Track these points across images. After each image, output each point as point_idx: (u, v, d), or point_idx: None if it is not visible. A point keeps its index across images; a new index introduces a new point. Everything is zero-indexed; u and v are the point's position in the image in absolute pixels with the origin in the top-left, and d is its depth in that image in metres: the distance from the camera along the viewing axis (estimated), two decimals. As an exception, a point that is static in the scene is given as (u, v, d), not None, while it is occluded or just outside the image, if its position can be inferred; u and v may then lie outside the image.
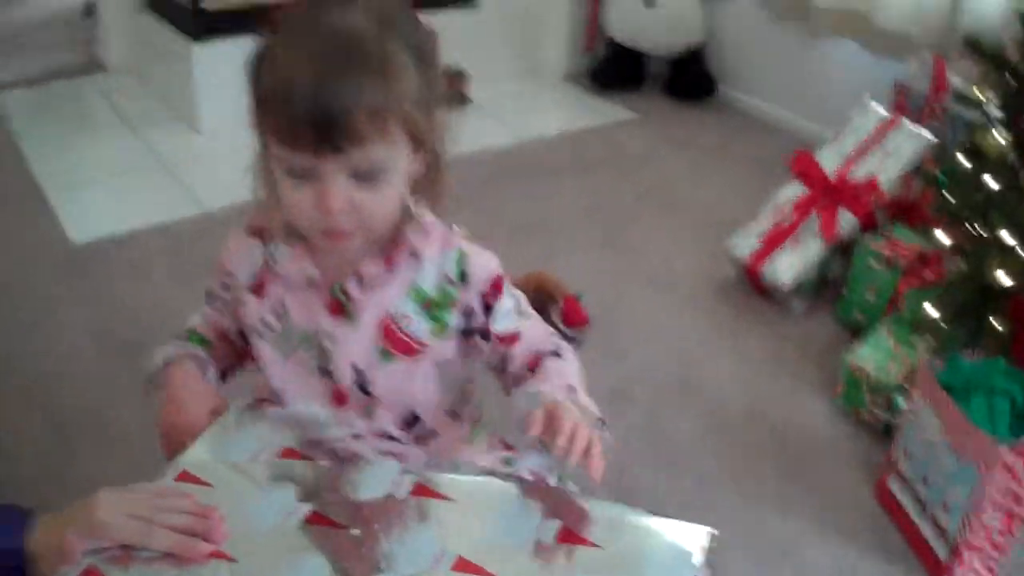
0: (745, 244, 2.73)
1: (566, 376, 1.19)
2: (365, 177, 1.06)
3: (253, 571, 0.98)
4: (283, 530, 1.01)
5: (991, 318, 1.91)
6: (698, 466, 2.14)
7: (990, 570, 1.81)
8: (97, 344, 2.44)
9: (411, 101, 1.05)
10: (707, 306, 2.72)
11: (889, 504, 2.01)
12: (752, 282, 2.72)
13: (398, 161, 1.08)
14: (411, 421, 1.26)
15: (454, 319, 1.21)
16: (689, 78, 4.11)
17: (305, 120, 1.00)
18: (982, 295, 1.92)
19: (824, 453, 2.19)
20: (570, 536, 1.02)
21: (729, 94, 4.10)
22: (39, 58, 4.34)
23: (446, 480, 1.08)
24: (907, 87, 2.93)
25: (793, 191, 2.75)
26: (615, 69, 4.20)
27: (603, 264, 2.88)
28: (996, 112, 1.95)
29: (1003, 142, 1.90)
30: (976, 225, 1.96)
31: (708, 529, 1.03)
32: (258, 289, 1.23)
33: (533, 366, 1.24)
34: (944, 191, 2.06)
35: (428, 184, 1.16)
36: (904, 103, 2.90)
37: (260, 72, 1.07)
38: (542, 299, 2.32)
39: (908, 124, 2.67)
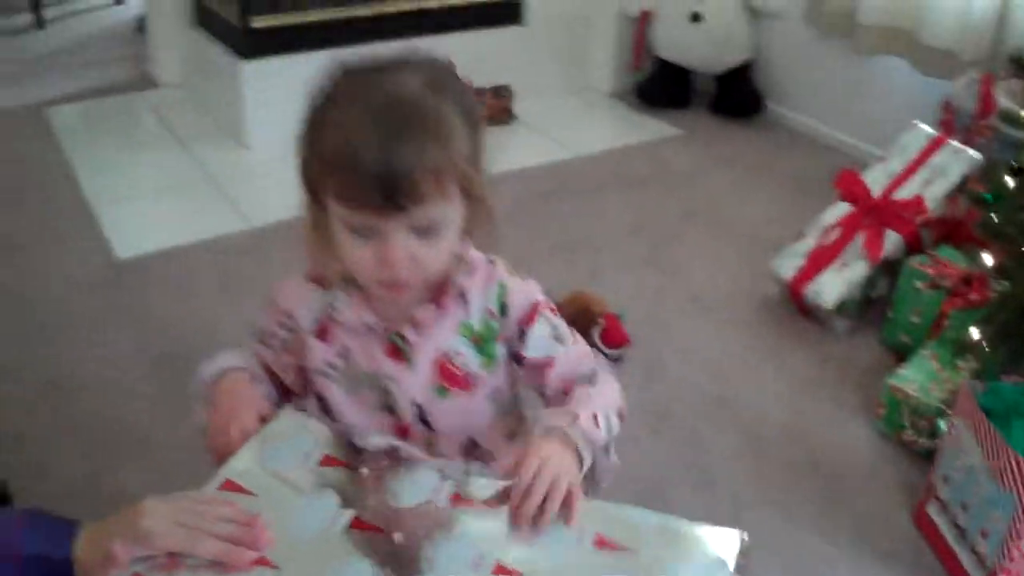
0: (789, 263, 2.72)
1: (590, 404, 1.21)
2: (424, 232, 1.12)
3: None
4: (326, 537, 1.04)
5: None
6: (735, 485, 2.14)
7: (1029, 597, 1.79)
8: (139, 359, 2.47)
9: (464, 158, 1.12)
10: (749, 325, 2.71)
11: (927, 529, 1.99)
12: (795, 302, 2.71)
13: (454, 215, 1.14)
14: (470, 448, 1.31)
15: (499, 349, 1.28)
16: (736, 95, 4.10)
17: (370, 182, 1.06)
18: (1025, 317, 1.90)
19: (863, 476, 2.17)
20: (605, 542, 1.04)
21: (776, 111, 4.08)
22: (92, 73, 4.42)
23: (483, 487, 1.11)
24: (954, 105, 2.91)
25: (839, 210, 2.73)
26: (662, 86, 4.19)
27: (646, 282, 2.89)
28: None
29: (1049, 162, 1.89)
30: (1022, 245, 1.94)
31: (740, 533, 1.05)
32: (322, 334, 1.28)
33: (567, 391, 1.27)
34: (990, 211, 2.05)
35: (475, 227, 1.21)
36: (951, 122, 2.89)
37: (319, 135, 1.12)
38: (584, 319, 2.33)
39: (954, 143, 2.65)
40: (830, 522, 2.04)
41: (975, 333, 2.01)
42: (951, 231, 2.58)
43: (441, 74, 1.15)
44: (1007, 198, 2.01)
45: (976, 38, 3.10)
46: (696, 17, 3.93)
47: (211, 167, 3.51)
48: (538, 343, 1.28)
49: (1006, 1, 3.07)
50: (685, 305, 2.78)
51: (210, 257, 2.94)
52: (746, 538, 1.05)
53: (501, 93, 3.89)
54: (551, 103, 4.15)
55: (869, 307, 2.67)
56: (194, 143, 3.70)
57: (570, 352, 1.30)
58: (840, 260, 2.63)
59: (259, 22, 3.51)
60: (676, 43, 4.05)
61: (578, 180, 3.55)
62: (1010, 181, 2.00)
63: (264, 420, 1.22)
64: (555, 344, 1.29)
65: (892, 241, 2.60)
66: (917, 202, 2.59)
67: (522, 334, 1.27)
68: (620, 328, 2.54)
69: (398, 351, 1.24)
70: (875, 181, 2.72)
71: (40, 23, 5.10)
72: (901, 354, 2.46)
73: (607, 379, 1.29)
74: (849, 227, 2.67)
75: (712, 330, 2.68)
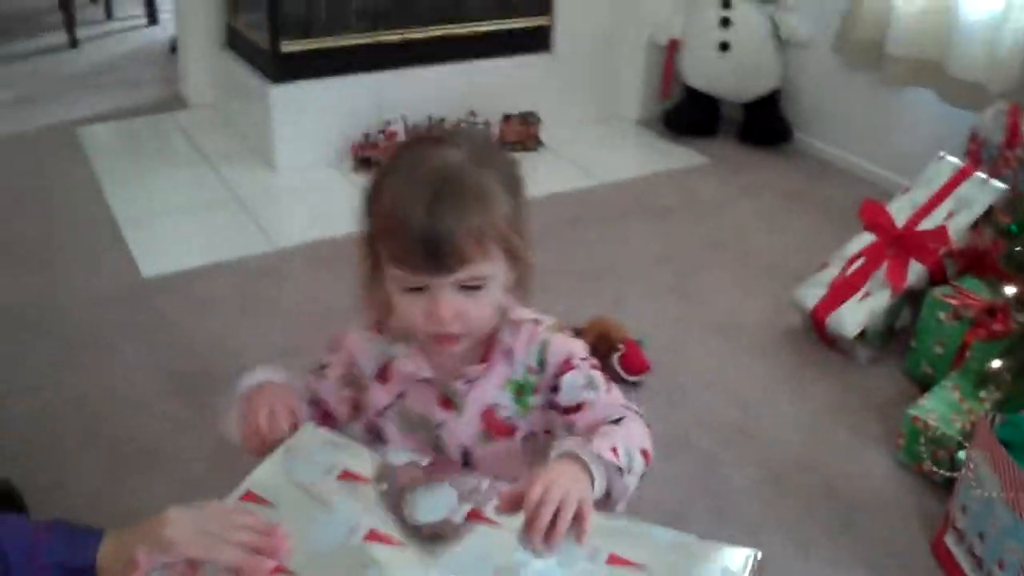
0: (812, 293, 2.71)
1: (610, 437, 1.24)
2: (469, 289, 1.23)
3: None
4: (345, 548, 1.07)
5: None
6: (752, 513, 2.13)
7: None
8: (160, 376, 2.49)
9: (505, 222, 1.23)
10: (771, 354, 2.71)
11: (945, 560, 1.98)
12: (818, 331, 2.71)
13: (497, 273, 1.26)
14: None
15: (536, 399, 1.39)
16: (764, 124, 4.10)
17: (419, 246, 1.17)
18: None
19: (882, 506, 2.16)
20: (619, 559, 1.04)
21: (803, 141, 4.08)
22: (124, 93, 4.48)
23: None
24: (981, 136, 2.91)
25: (863, 240, 2.73)
26: (689, 114, 4.20)
27: (669, 310, 2.89)
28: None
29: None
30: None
31: (753, 551, 1.06)
32: (382, 378, 1.40)
33: (593, 431, 1.30)
34: (1015, 242, 2.05)
35: (520, 284, 1.32)
36: (977, 152, 2.88)
37: (376, 202, 1.25)
38: (604, 345, 2.34)
39: (980, 174, 2.65)
40: (847, 551, 2.04)
41: (997, 364, 2.01)
42: (975, 262, 2.57)
43: (484, 147, 1.30)
44: (1031, 229, 2.01)
45: (1004, 70, 3.10)
46: (724, 46, 3.95)
47: (238, 188, 3.54)
48: (571, 391, 1.35)
49: (1034, 34, 3.07)
50: (707, 333, 2.78)
51: (234, 277, 2.97)
52: (759, 556, 1.06)
53: (528, 120, 3.91)
54: (578, 130, 4.17)
55: (892, 337, 2.67)
56: (222, 164, 3.73)
57: (601, 397, 1.36)
58: (863, 290, 2.63)
59: (289, 47, 3.56)
60: (704, 72, 4.07)
61: (604, 207, 3.56)
62: (1035, 212, 2.00)
63: (294, 429, 1.29)
64: (587, 391, 1.35)
65: (916, 271, 2.60)
66: (941, 232, 2.58)
67: (557, 383, 1.36)
68: (640, 354, 2.56)
69: (449, 402, 1.36)
70: (899, 211, 2.72)
71: (74, 43, 5.19)
72: (924, 384, 2.45)
73: (635, 421, 1.33)
74: (873, 257, 2.67)
75: (733, 358, 2.68)
